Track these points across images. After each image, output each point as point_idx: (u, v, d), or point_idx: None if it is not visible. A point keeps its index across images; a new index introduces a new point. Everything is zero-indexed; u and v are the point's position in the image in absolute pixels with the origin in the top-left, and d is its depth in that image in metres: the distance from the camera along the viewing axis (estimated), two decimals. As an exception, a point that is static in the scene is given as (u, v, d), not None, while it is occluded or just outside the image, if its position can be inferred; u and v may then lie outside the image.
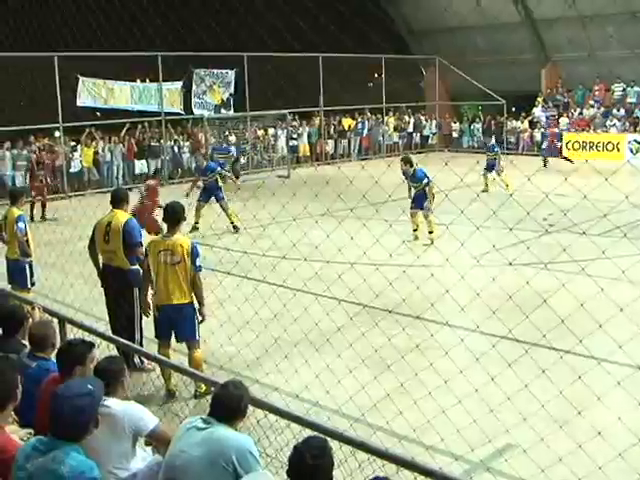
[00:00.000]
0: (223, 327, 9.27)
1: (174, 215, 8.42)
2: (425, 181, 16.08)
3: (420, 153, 35.69)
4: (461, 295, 9.58)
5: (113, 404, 5.03)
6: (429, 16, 37.46)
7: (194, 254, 8.18)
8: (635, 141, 31.81)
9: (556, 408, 6.93)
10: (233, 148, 28.46)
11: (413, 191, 16.54)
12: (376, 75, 37.83)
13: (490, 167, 23.21)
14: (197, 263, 8.21)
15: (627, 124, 33.20)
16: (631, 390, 7.04)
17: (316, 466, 4.11)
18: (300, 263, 10.98)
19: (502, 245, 13.28)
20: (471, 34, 36.55)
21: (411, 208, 16.24)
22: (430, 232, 15.92)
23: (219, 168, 19.25)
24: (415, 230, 16.30)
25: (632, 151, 31.53)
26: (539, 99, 36.93)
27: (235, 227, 17.96)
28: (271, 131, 32.74)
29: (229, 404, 4.78)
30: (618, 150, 31.95)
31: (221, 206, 18.18)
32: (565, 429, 6.49)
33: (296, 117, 33.63)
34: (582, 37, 32.90)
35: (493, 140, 27.75)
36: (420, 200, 16.15)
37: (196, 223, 17.92)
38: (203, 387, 8.05)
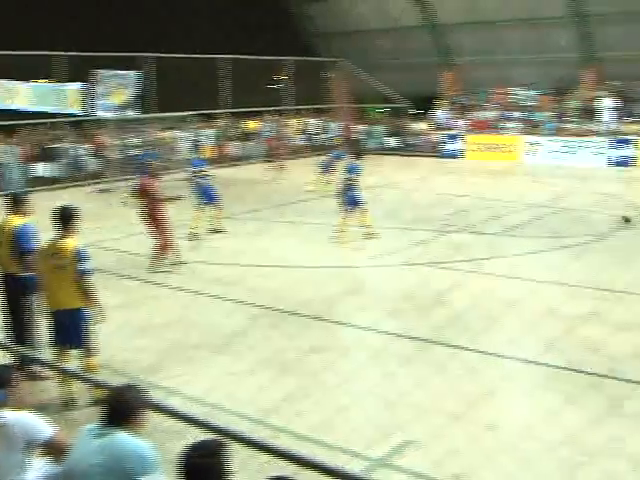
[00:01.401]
0: (121, 331, 9.14)
1: (64, 218, 8.22)
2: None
3: (325, 155, 35.86)
4: (358, 295, 9.71)
5: (6, 414, 4.91)
6: (335, 19, 37.76)
7: (80, 257, 8.01)
8: (532, 143, 32.74)
9: (449, 403, 7.08)
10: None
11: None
12: (282, 77, 37.85)
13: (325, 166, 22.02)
14: (83, 267, 8.01)
15: (524, 126, 34.16)
16: (521, 384, 7.27)
17: (203, 466, 4.07)
18: (200, 266, 10.94)
19: (401, 245, 13.54)
20: (376, 37, 37.06)
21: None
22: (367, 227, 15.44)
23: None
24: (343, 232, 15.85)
25: (528, 152, 32.46)
26: (441, 101, 37.65)
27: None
28: (175, 133, 32.33)
29: (121, 409, 4.72)
30: (516, 151, 32.84)
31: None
32: (458, 423, 6.65)
33: (200, 119, 33.32)
34: (483, 41, 33.76)
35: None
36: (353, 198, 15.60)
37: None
38: (100, 393, 7.91)
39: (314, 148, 37.74)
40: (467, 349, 8.50)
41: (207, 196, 15.80)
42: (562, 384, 7.33)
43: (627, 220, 14.74)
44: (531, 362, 7.48)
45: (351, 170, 15.26)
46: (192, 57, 28.39)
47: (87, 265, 8.01)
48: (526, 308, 8.18)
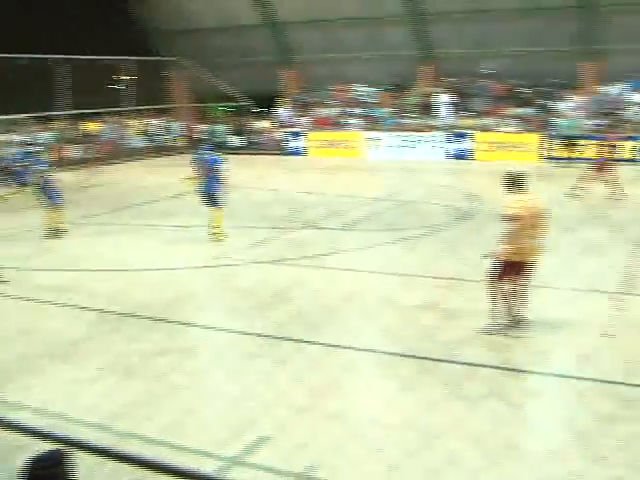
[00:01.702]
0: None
1: None
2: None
3: (167, 156, 35.51)
4: (200, 295, 9.69)
5: None
6: (174, 17, 37.30)
7: None
8: (373, 138, 33.55)
9: (296, 396, 7.18)
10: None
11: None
12: (122, 77, 37.07)
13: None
14: None
15: (365, 122, 34.94)
16: (363, 372, 7.48)
17: (46, 477, 3.98)
18: (38, 273, 10.60)
19: (243, 244, 13.58)
20: (216, 36, 36.92)
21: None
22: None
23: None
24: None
25: (370, 148, 33.25)
26: (282, 99, 37.94)
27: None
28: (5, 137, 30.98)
29: None
30: (357, 147, 33.57)
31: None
32: (306, 415, 6.76)
33: (34, 121, 32.16)
34: (322, 39, 34.28)
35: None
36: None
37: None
38: None
39: (156, 149, 37.26)
40: (310, 342, 8.64)
41: (50, 197, 15.45)
42: (402, 371, 7.57)
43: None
44: (371, 351, 7.68)
45: (214, 163, 15.33)
46: (24, 57, 27.39)
47: None
48: (365, 299, 8.40)
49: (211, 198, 15.16)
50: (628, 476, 5.78)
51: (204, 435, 6.75)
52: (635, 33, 28.28)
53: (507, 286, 8.72)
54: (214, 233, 14.98)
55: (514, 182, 8.73)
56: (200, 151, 16.15)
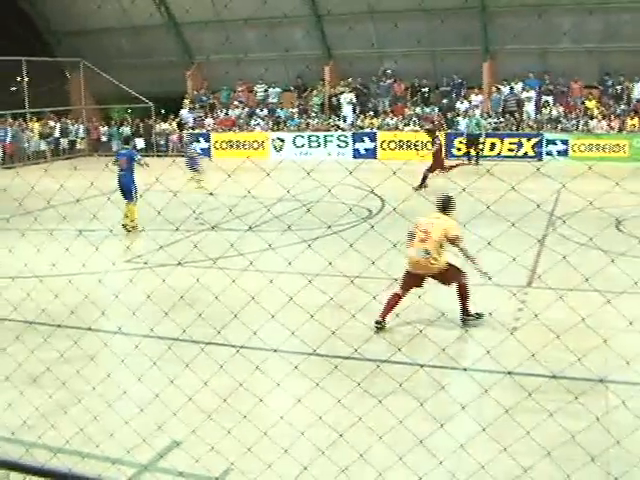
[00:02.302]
0: None
1: None
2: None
3: (68, 159, 34.79)
4: (102, 300, 9.57)
5: None
6: (72, 17, 36.53)
7: None
8: (278, 139, 33.65)
9: (204, 399, 7.14)
10: None
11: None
12: (18, 78, 36.12)
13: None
14: None
15: (270, 123, 35.03)
16: (271, 373, 7.53)
17: None
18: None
19: (146, 247, 13.42)
20: (116, 36, 36.46)
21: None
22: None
23: None
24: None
25: (276, 148, 33.35)
26: (186, 101, 37.67)
27: None
28: None
29: None
30: (263, 148, 33.61)
31: None
32: (215, 418, 6.73)
33: None
34: (224, 39, 34.09)
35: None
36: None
37: None
38: None
39: (57, 152, 36.48)
40: (216, 344, 8.61)
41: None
42: (309, 370, 7.59)
43: None
44: (277, 351, 7.71)
45: (132, 158, 17.37)
46: None
47: None
48: (270, 300, 8.43)
49: (127, 192, 16.80)
50: (536, 465, 5.98)
51: (113, 443, 6.65)
52: (524, 34, 29.20)
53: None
54: (129, 226, 15.34)
55: (445, 206, 10.08)
56: (121, 148, 17.70)
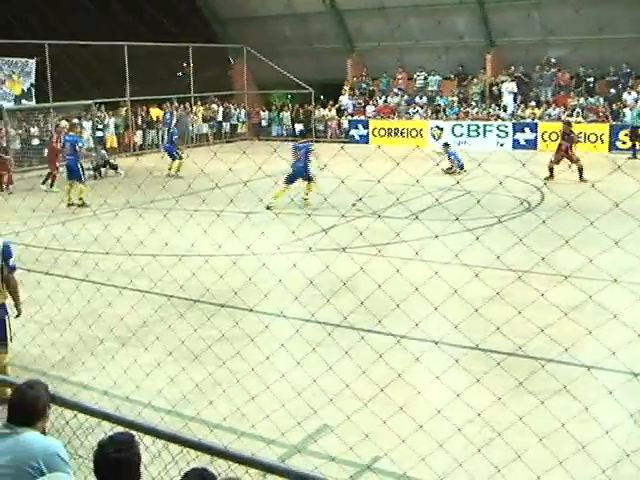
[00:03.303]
0: (25, 327, 8.86)
1: None
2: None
3: (230, 142, 35.71)
4: (265, 282, 9.68)
5: None
6: (236, 4, 37.46)
7: (6, 253, 7.81)
8: (437, 127, 33.29)
9: (360, 387, 7.12)
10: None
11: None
12: (184, 64, 37.38)
13: None
14: (11, 263, 7.84)
15: (429, 111, 34.69)
16: (429, 365, 7.38)
17: (119, 460, 3.99)
18: (102, 257, 10.74)
19: (307, 231, 13.54)
20: (278, 23, 37.02)
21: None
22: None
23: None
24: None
25: (434, 137, 33.00)
26: (346, 87, 37.86)
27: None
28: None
29: (25, 406, 4.56)
30: (422, 136, 33.34)
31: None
32: (370, 407, 6.69)
33: (102, 108, 32.61)
34: (386, 27, 34.05)
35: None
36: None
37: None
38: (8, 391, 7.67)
39: (219, 135, 37.52)
40: (376, 332, 8.58)
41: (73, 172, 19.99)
42: (469, 364, 7.46)
43: None
44: (438, 344, 7.59)
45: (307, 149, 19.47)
46: (91, 44, 27.76)
47: (13, 262, 7.84)
48: (432, 291, 8.27)
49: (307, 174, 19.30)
50: None
51: (266, 422, 6.76)
52: None
53: None
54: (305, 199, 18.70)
55: None
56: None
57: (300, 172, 19.22)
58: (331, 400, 6.69)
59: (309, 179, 19.32)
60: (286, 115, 38.19)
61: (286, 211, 16.51)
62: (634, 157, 26.61)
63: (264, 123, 39.18)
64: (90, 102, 30.48)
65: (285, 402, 6.69)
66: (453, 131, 32.72)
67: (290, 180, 19.14)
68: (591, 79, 32.28)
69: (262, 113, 39.28)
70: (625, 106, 30.39)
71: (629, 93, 30.93)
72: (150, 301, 9.90)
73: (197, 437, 4.81)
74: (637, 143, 27.49)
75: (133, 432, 4.43)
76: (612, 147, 29.09)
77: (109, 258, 10.75)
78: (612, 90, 31.62)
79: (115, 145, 32.68)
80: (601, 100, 31.63)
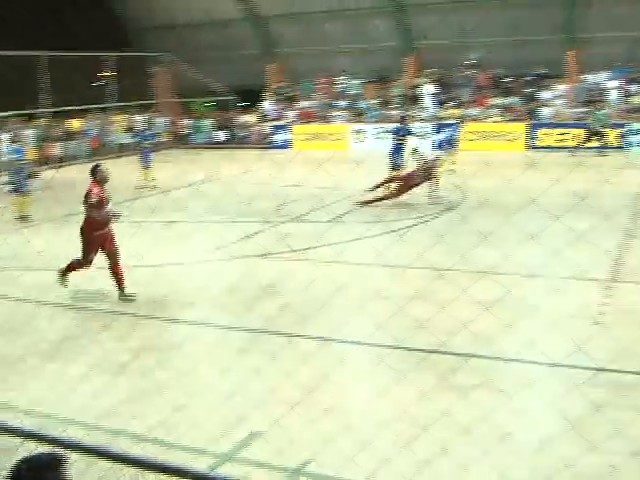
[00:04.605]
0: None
1: None
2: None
3: (153, 151, 35.29)
4: (188, 291, 9.62)
5: None
6: (156, 12, 37.14)
7: None
8: (359, 130, 33.52)
9: (288, 391, 7.13)
10: None
11: None
12: (104, 74, 36.85)
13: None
14: None
15: (351, 115, 34.91)
16: (354, 365, 7.46)
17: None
18: (20, 272, 10.54)
19: (229, 238, 13.50)
20: (199, 30, 36.83)
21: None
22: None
23: None
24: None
25: (356, 140, 33.22)
26: (267, 93, 37.84)
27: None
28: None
29: None
30: (344, 139, 33.53)
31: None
32: (298, 410, 6.72)
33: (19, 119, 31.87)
34: (306, 32, 34.20)
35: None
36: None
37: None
38: None
39: (140, 145, 37.02)
40: (300, 336, 8.60)
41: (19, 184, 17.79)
42: (393, 362, 7.54)
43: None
44: (362, 343, 7.65)
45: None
46: (7, 54, 27.17)
47: None
48: (354, 292, 8.37)
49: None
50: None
51: (195, 432, 6.70)
52: (616, 21, 28.36)
53: None
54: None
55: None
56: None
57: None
58: (259, 406, 6.69)
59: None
60: (208, 123, 37.95)
61: (208, 219, 16.41)
62: (601, 154, 26.50)
63: (187, 131, 38.85)
64: (5, 114, 29.81)
65: (213, 410, 6.66)
66: (375, 134, 32.97)
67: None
68: (508, 79, 32.95)
69: (184, 121, 38.95)
70: (543, 105, 31.13)
71: (545, 92, 31.69)
72: (70, 314, 9.73)
73: (125, 450, 4.75)
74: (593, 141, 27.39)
75: (59, 449, 4.35)
76: (529, 146, 29.72)
77: (29, 273, 10.52)
78: (528, 90, 32.34)
79: (35, 157, 31.92)
80: (517, 100, 32.32)
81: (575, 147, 27.46)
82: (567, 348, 7.65)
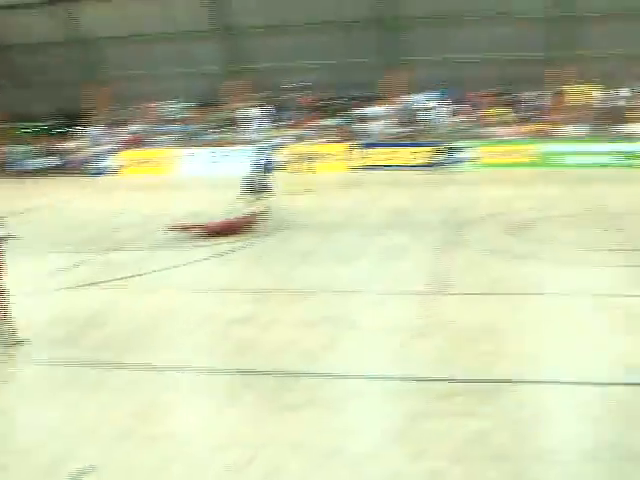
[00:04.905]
0: None
1: None
2: None
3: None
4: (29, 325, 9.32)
5: None
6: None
7: None
8: (186, 154, 33.31)
9: (118, 420, 7.03)
10: None
11: None
12: None
13: None
14: None
15: (177, 139, 34.66)
16: (185, 392, 7.48)
17: None
18: None
19: (53, 269, 13.10)
20: (20, 53, 35.69)
21: None
22: None
23: None
24: None
25: (183, 164, 32.99)
26: (91, 118, 36.94)
27: None
28: None
29: None
30: (171, 164, 33.22)
31: None
32: (129, 440, 6.64)
33: None
34: (133, 55, 33.87)
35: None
36: None
37: None
38: None
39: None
40: (126, 366, 8.46)
41: None
42: (224, 387, 7.60)
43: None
44: (191, 370, 7.64)
45: None
46: None
47: None
48: (184, 317, 8.38)
49: None
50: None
51: (25, 468, 6.51)
52: (437, 45, 29.88)
53: None
54: None
55: None
56: None
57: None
58: (89, 438, 6.58)
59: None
60: (28, 149, 36.52)
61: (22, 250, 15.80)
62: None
63: (8, 158, 37.20)
64: None
65: (42, 446, 6.51)
66: (202, 157, 32.88)
67: None
68: (331, 101, 33.81)
69: (6, 148, 37.30)
70: (364, 126, 32.17)
71: (366, 111, 32.77)
72: None
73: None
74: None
75: None
76: (352, 166, 30.59)
77: None
78: (351, 111, 33.32)
79: None
80: (340, 121, 33.19)
81: (400, 165, 28.68)
82: (392, 360, 8.00)
